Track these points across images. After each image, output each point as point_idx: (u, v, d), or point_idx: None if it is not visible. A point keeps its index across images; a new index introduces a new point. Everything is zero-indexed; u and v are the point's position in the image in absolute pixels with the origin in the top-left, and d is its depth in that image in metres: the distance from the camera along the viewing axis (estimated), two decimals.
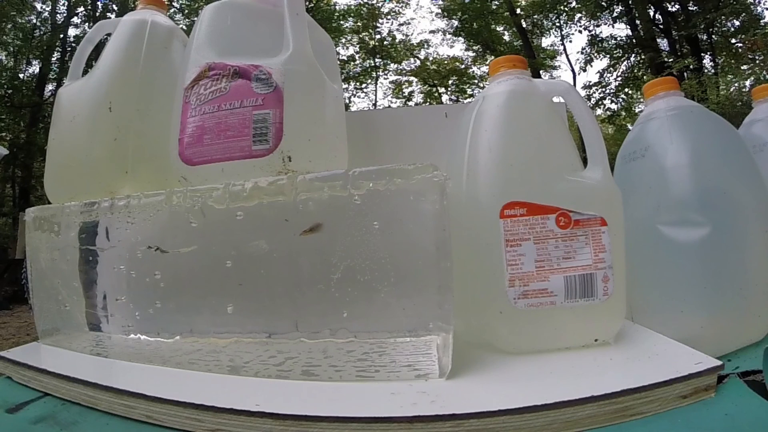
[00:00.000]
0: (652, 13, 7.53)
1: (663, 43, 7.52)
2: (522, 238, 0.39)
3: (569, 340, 0.41)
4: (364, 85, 10.09)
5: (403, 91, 10.43)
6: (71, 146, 0.53)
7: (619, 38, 8.34)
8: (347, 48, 9.45)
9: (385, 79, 10.41)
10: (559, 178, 0.41)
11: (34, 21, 7.80)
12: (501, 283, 0.39)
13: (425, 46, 10.14)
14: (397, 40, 9.95)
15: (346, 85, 9.08)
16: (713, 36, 7.22)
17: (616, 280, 0.40)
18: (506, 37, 9.70)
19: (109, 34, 0.58)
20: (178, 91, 0.47)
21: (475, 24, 9.27)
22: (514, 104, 0.44)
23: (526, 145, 0.42)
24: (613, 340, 0.42)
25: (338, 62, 0.59)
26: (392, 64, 10.23)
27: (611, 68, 8.58)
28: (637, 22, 7.68)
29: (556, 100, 0.48)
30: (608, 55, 8.56)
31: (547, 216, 0.40)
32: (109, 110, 0.51)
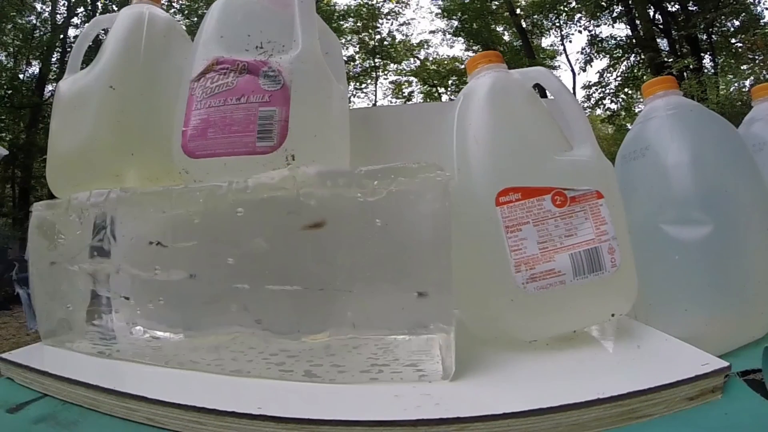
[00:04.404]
0: (651, 13, 7.54)
1: (663, 43, 7.53)
2: (521, 222, 0.39)
3: (585, 319, 0.41)
4: (364, 85, 10.11)
5: (403, 91, 10.45)
6: (74, 132, 0.52)
7: (618, 38, 8.36)
8: (347, 48, 9.46)
9: (385, 79, 10.43)
10: (548, 159, 0.41)
11: (34, 21, 7.81)
12: (507, 271, 0.39)
13: (425, 46, 10.17)
14: (397, 41, 9.97)
15: None
16: (713, 36, 7.24)
17: (622, 250, 0.40)
18: (506, 37, 9.72)
19: (105, 31, 0.58)
20: (183, 83, 0.47)
21: (475, 24, 9.29)
22: (493, 95, 0.44)
23: (511, 133, 0.43)
24: (617, 339, 0.42)
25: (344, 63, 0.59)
26: (392, 64, 10.25)
27: (611, 68, 8.60)
28: (637, 22, 7.69)
29: (549, 96, 0.48)
30: (608, 55, 8.58)
31: (542, 197, 0.40)
32: (111, 88, 0.51)
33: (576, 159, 0.42)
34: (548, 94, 0.50)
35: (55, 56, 7.80)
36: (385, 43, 9.90)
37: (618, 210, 0.41)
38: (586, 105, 8.49)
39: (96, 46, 0.60)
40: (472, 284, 0.40)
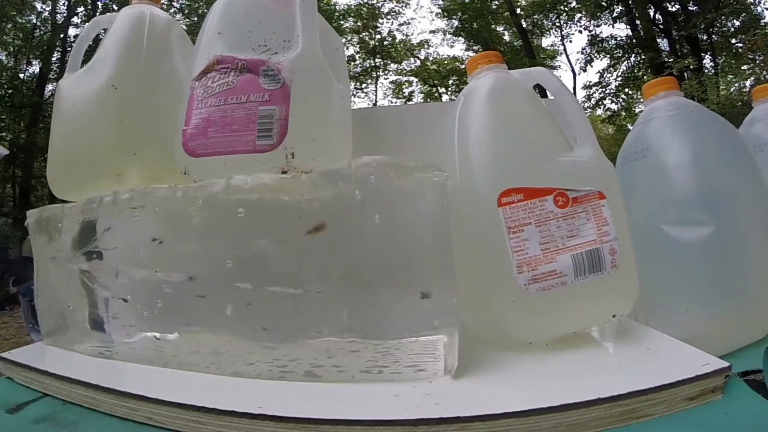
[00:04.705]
0: (652, 13, 7.54)
1: (663, 43, 7.53)
2: (523, 223, 0.39)
3: (586, 320, 0.41)
4: (364, 85, 10.11)
5: (403, 91, 10.45)
6: (76, 132, 0.52)
7: (619, 38, 8.36)
8: (347, 48, 9.46)
9: (385, 79, 10.44)
10: (549, 159, 0.41)
11: (34, 21, 7.81)
12: (509, 272, 0.38)
13: (425, 46, 10.17)
14: (397, 40, 9.97)
15: None
16: (713, 36, 7.24)
17: (623, 251, 0.40)
18: (506, 37, 9.72)
19: (105, 30, 0.58)
20: (184, 82, 0.47)
21: (475, 24, 9.29)
22: (494, 96, 0.44)
23: (512, 133, 0.43)
24: (618, 340, 0.42)
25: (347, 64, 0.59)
26: (392, 64, 10.25)
27: (611, 68, 8.60)
28: (637, 22, 7.69)
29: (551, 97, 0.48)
30: (608, 55, 8.58)
31: (544, 198, 0.40)
32: (113, 87, 0.51)
33: (577, 160, 0.42)
34: (548, 94, 0.50)
35: (56, 56, 7.80)
36: (385, 42, 9.90)
37: (619, 210, 0.41)
38: (586, 105, 8.49)
39: (96, 45, 0.60)
40: (474, 285, 0.40)
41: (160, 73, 0.54)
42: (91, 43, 0.62)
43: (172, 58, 0.55)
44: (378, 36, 9.82)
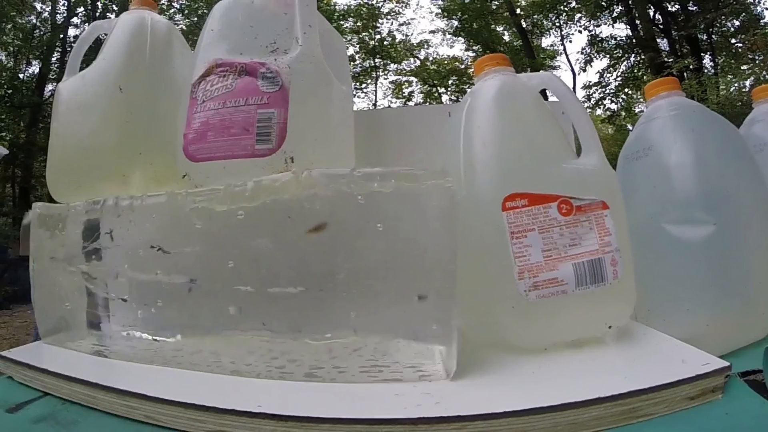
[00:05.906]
0: (652, 13, 7.55)
1: (663, 43, 7.54)
2: (526, 229, 0.39)
3: (583, 330, 0.40)
4: (364, 85, 10.11)
5: (403, 91, 10.45)
6: (80, 133, 0.52)
7: (619, 38, 8.37)
8: (347, 48, 9.45)
9: (385, 79, 10.44)
10: (555, 166, 0.41)
11: (34, 21, 7.82)
12: (510, 277, 0.38)
13: (425, 46, 10.17)
14: (397, 40, 9.98)
15: None
16: (713, 36, 7.24)
17: (623, 262, 0.40)
18: (506, 37, 9.73)
19: (105, 35, 0.58)
20: (185, 86, 0.47)
21: (475, 24, 9.29)
22: (502, 99, 0.44)
23: (519, 137, 0.42)
24: (618, 340, 0.42)
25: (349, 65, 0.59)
26: (392, 64, 10.25)
27: (611, 68, 8.61)
28: (637, 22, 7.69)
29: (551, 98, 0.48)
30: (608, 55, 8.58)
31: (549, 204, 0.39)
32: (119, 89, 0.51)
33: (582, 167, 0.42)
34: (548, 95, 0.50)
35: (55, 56, 7.81)
36: (385, 43, 9.90)
37: (621, 221, 0.41)
38: (586, 105, 8.49)
39: (95, 47, 0.61)
40: (474, 289, 0.40)
41: (163, 75, 0.54)
42: (91, 44, 0.62)
43: (172, 61, 0.56)
44: (378, 36, 9.83)
